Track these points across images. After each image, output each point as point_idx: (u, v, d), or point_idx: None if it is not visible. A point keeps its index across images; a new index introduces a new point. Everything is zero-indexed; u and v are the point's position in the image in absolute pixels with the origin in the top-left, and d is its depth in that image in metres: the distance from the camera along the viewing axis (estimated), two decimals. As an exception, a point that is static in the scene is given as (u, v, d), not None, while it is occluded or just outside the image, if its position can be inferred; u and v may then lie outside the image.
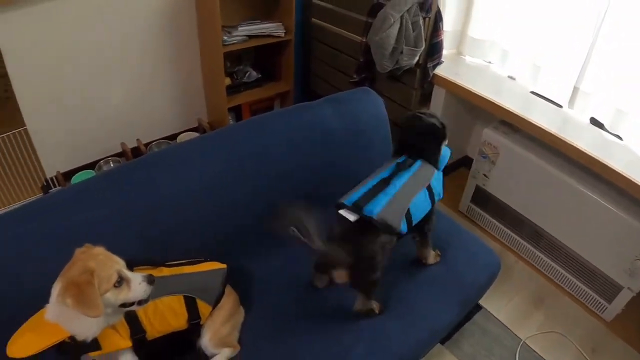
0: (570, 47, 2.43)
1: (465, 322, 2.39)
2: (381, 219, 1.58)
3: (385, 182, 1.69)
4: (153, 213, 1.70)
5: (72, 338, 1.29)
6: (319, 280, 1.84)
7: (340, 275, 1.64)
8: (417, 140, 1.79)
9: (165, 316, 1.49)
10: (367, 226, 1.59)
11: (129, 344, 1.40)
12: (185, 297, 1.53)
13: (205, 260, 1.69)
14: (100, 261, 1.29)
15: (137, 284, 1.33)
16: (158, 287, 1.44)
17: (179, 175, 1.78)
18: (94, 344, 1.32)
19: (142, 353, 1.46)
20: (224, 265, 1.68)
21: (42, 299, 1.31)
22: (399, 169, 1.73)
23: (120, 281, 1.29)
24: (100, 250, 1.34)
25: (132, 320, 1.42)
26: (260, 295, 1.83)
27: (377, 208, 1.59)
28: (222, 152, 1.88)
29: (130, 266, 1.45)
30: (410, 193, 1.70)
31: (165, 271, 1.56)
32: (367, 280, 1.66)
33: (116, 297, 1.29)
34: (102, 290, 1.25)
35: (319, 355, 1.63)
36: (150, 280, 1.35)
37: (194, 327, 1.57)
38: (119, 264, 1.34)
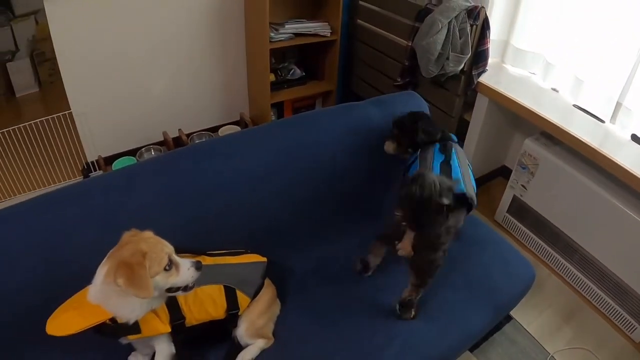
0: (614, 62, 2.41)
1: (494, 332, 2.39)
2: (469, 195, 1.65)
3: (446, 164, 1.75)
4: (197, 202, 1.74)
5: (113, 320, 1.31)
6: (376, 254, 1.89)
7: (405, 246, 1.68)
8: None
9: (205, 304, 1.52)
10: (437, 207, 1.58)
11: (168, 329, 1.43)
12: (226, 287, 1.56)
13: (246, 252, 1.72)
14: (152, 244, 1.33)
15: (186, 269, 1.36)
16: (200, 275, 1.47)
17: (225, 167, 1.82)
18: (135, 327, 1.35)
19: (179, 339, 1.49)
20: (265, 259, 1.71)
21: (83, 281, 1.34)
22: (445, 152, 1.80)
23: (170, 265, 1.33)
24: (150, 234, 1.38)
25: (173, 306, 1.45)
26: (297, 289, 1.85)
27: (461, 186, 1.66)
28: (270, 145, 1.91)
29: (175, 252, 1.50)
30: (466, 171, 1.77)
31: (207, 260, 1.58)
32: (427, 259, 1.68)
33: (165, 280, 1.32)
34: (152, 273, 1.28)
35: (350, 352, 1.64)
36: (198, 266, 1.38)
37: (232, 317, 1.59)
38: (169, 247, 1.37)
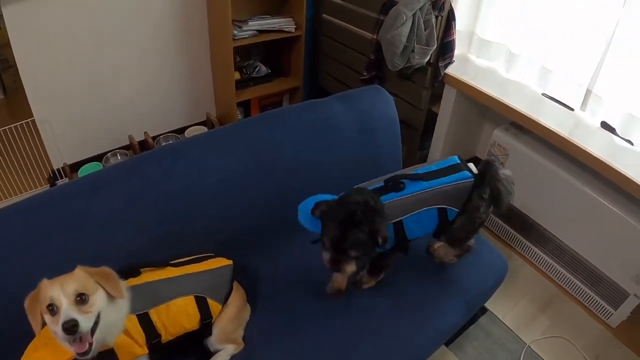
0: (583, 49, 2.40)
1: (470, 325, 2.37)
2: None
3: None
4: (164, 207, 1.69)
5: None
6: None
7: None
8: None
9: (178, 318, 1.48)
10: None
11: (146, 351, 1.39)
12: (196, 298, 1.52)
13: (211, 256, 1.68)
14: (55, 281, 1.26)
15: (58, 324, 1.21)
16: (169, 288, 1.44)
17: (191, 170, 1.77)
18: (111, 355, 1.30)
19: (155, 358, 1.44)
20: (230, 261, 1.67)
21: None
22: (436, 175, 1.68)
23: (53, 310, 1.22)
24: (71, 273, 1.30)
25: (147, 326, 1.40)
26: (268, 293, 1.81)
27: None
28: (235, 146, 1.87)
29: (136, 269, 1.44)
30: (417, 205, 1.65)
31: (173, 272, 1.54)
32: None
33: (51, 325, 1.23)
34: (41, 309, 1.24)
35: (324, 352, 1.62)
36: (67, 327, 1.18)
37: (206, 326, 1.56)
38: (67, 289, 1.24)
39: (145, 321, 1.39)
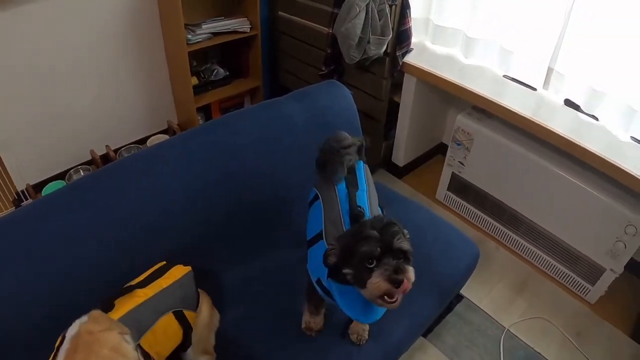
0: (541, 28, 2.39)
1: (446, 314, 2.36)
2: None
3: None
4: (125, 220, 1.63)
5: None
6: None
7: None
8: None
9: (165, 340, 1.44)
10: None
11: None
12: (174, 313, 1.47)
13: (165, 265, 1.61)
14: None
15: None
16: (147, 313, 1.39)
17: (150, 180, 1.70)
18: None
19: None
20: (189, 268, 1.61)
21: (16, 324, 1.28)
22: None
23: None
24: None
25: (145, 357, 1.35)
26: (234, 298, 1.77)
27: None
28: (190, 155, 1.80)
29: (110, 302, 1.38)
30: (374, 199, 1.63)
31: (144, 293, 1.46)
32: None
33: None
34: None
35: (299, 354, 1.59)
36: None
37: (186, 337, 1.51)
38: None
39: (142, 354, 1.34)
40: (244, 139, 1.91)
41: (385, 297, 1.21)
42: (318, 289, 1.47)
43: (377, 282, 1.20)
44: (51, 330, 1.29)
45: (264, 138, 1.96)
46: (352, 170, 1.64)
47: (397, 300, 1.22)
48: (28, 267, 1.44)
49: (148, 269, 1.57)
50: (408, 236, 1.31)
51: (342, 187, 1.59)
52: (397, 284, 1.18)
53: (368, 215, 1.49)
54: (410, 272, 1.21)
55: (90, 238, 1.55)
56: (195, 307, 1.55)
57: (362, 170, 1.69)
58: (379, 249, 1.22)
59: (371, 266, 1.22)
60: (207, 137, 1.86)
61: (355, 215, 1.47)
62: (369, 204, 1.56)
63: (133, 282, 1.52)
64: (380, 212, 1.59)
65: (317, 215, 1.58)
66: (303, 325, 1.64)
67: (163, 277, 1.55)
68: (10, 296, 1.40)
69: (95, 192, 1.62)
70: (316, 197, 1.64)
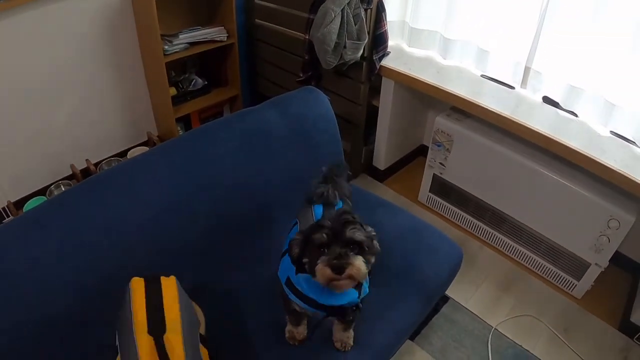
0: (517, 27, 2.40)
1: (433, 316, 2.35)
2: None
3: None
4: (106, 235, 1.61)
5: None
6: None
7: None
8: None
9: None
10: None
11: None
12: (200, 337, 1.47)
13: (147, 277, 1.51)
14: None
15: None
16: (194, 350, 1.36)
17: (130, 194, 1.68)
18: None
19: None
20: (173, 277, 1.55)
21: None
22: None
23: None
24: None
25: None
26: (218, 312, 1.72)
27: None
28: (174, 164, 1.79)
29: None
30: None
31: (177, 331, 1.36)
32: None
33: None
34: None
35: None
36: None
37: None
38: None
39: None
40: (223, 149, 1.89)
41: (334, 282, 1.25)
42: (287, 291, 1.48)
43: (320, 268, 1.25)
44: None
45: (242, 147, 1.94)
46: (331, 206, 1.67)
47: (342, 284, 1.27)
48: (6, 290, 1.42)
49: (125, 283, 1.54)
50: (371, 230, 1.36)
51: (318, 207, 1.63)
52: (338, 270, 1.23)
53: None
54: (356, 260, 1.25)
55: (65, 256, 1.53)
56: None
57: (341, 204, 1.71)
58: (325, 235, 1.26)
59: (322, 254, 1.26)
60: (186, 148, 1.84)
61: None
62: None
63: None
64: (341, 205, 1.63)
65: (292, 233, 1.59)
66: (287, 335, 1.64)
67: (168, 298, 1.43)
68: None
69: (72, 208, 1.60)
70: (295, 223, 1.67)
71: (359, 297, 1.46)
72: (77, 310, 1.51)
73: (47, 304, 1.47)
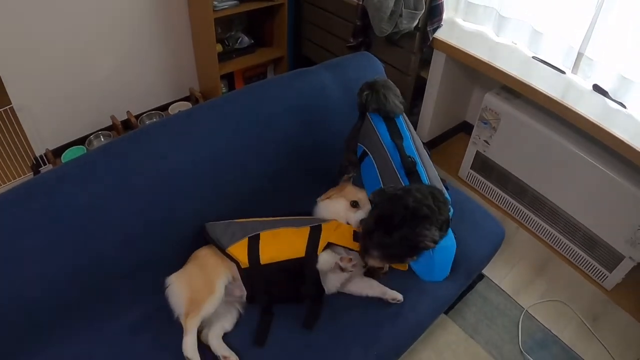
0: (574, 12, 2.35)
1: (467, 292, 2.36)
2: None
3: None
4: (155, 188, 1.64)
5: None
6: None
7: None
8: None
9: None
10: None
11: None
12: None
13: None
14: None
15: None
16: None
17: (180, 148, 1.71)
18: None
19: None
20: None
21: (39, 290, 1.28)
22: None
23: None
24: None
25: None
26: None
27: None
28: (225, 121, 1.80)
29: None
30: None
31: None
32: None
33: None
34: None
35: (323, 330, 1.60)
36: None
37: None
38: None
39: None
40: (277, 108, 1.90)
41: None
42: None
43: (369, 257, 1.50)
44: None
45: (296, 106, 1.95)
46: (391, 121, 1.72)
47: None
48: (51, 237, 1.45)
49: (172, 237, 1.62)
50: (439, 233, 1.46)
51: (388, 140, 1.67)
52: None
53: (419, 162, 1.63)
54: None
55: (112, 208, 1.56)
56: None
57: (401, 118, 1.76)
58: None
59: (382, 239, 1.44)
60: (238, 104, 1.85)
61: (408, 167, 1.60)
62: (417, 151, 1.67)
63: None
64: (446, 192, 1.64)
65: (371, 172, 1.68)
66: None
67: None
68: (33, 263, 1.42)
69: (122, 159, 1.62)
70: (364, 154, 1.71)
71: None
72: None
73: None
